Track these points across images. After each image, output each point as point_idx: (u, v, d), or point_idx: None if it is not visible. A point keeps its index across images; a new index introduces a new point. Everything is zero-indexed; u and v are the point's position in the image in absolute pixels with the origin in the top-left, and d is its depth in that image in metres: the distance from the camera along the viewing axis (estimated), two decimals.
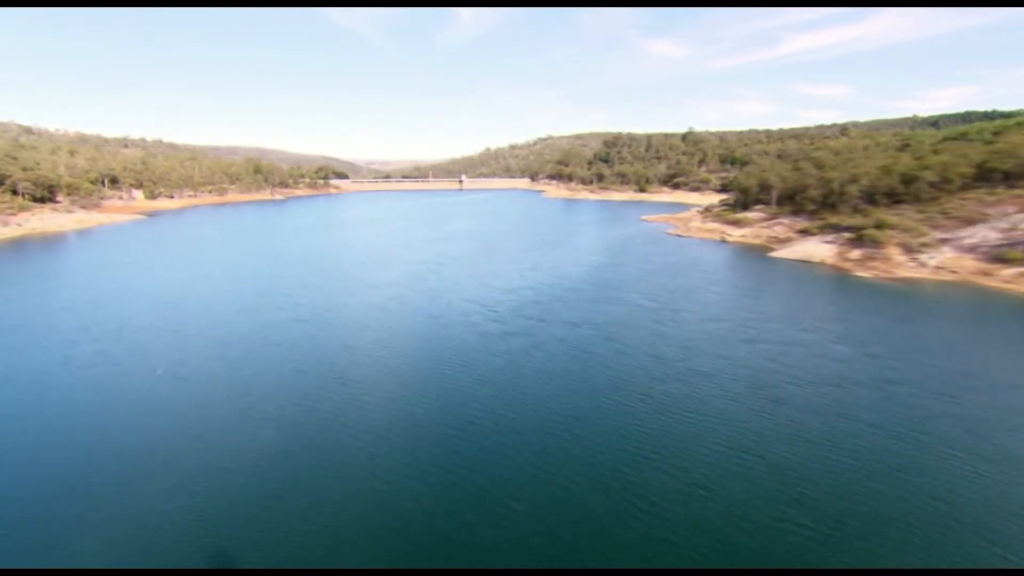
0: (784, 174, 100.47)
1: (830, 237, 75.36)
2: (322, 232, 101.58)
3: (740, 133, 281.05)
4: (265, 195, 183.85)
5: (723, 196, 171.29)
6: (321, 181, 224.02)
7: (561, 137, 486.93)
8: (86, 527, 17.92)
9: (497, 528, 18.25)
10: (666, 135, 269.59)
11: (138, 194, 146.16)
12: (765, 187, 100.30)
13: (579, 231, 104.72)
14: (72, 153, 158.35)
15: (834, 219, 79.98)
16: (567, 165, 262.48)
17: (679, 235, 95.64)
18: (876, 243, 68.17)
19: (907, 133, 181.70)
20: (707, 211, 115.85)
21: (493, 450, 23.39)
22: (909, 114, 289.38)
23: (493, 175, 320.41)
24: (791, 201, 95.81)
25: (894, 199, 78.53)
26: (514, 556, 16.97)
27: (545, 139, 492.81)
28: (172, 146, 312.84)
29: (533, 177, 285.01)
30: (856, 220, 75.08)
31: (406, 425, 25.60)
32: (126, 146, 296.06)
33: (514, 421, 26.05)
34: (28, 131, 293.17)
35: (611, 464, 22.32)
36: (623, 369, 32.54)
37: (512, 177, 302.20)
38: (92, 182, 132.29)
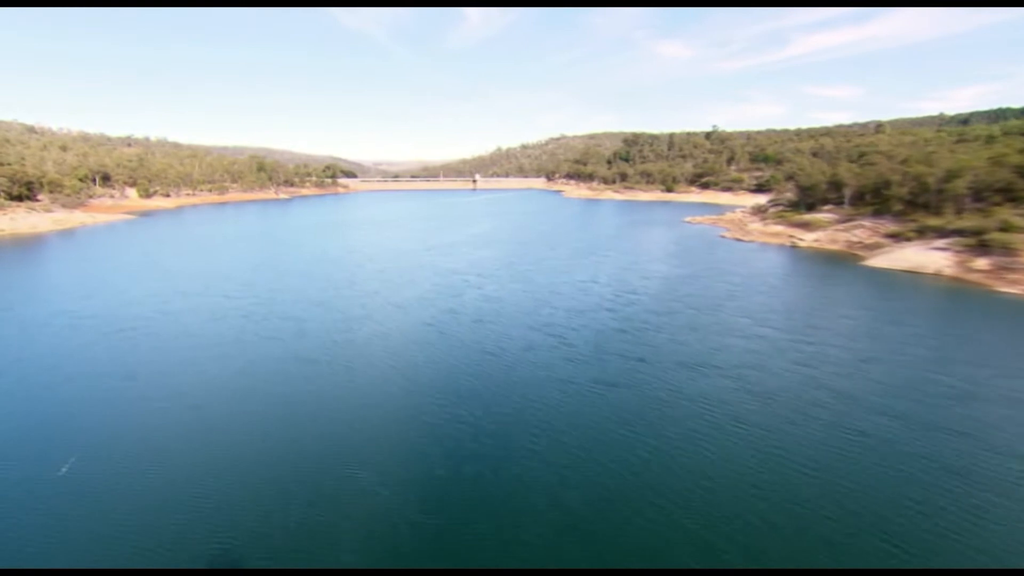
0: (856, 170, 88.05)
1: (939, 243, 62.82)
2: (330, 234, 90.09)
3: (762, 132, 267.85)
4: (269, 194, 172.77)
5: (761, 196, 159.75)
6: (329, 180, 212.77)
7: (574, 137, 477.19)
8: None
9: None
10: (689, 134, 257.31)
11: (132, 192, 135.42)
12: (835, 184, 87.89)
13: (621, 235, 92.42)
14: (64, 149, 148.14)
15: (934, 221, 67.53)
16: (586, 164, 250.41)
17: (737, 239, 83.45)
18: (1009, 250, 55.68)
19: (959, 129, 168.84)
20: (759, 212, 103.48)
21: None
22: (933, 112, 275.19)
23: (506, 175, 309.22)
24: (863, 200, 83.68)
25: (1008, 196, 65.96)
26: None
27: (558, 139, 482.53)
28: (176, 145, 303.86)
29: (549, 177, 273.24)
30: (968, 222, 62.59)
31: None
32: (129, 145, 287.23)
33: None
34: (31, 130, 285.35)
35: None
36: (811, 452, 20.41)
37: (527, 177, 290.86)
38: (81, 179, 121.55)
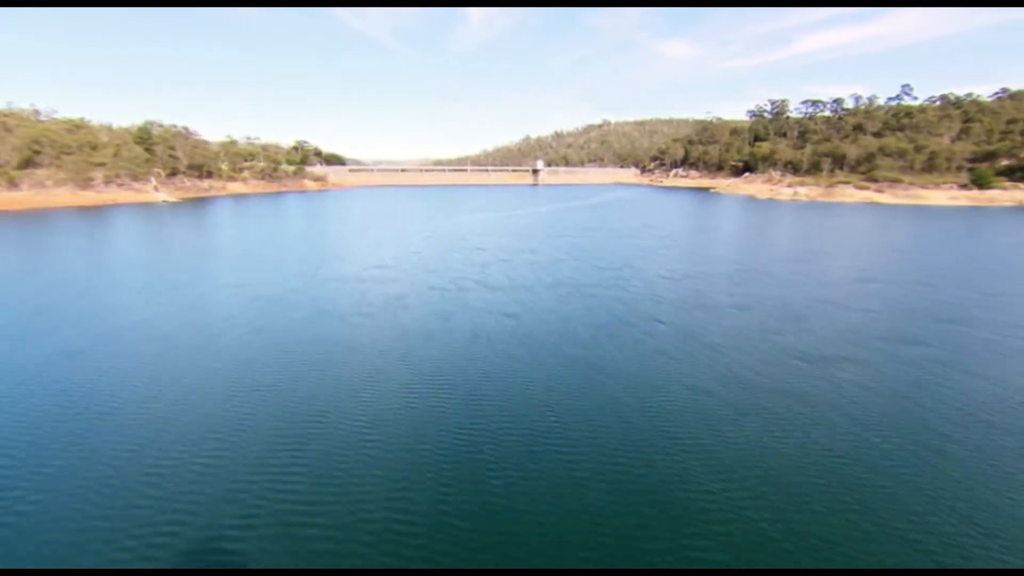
0: None
1: None
2: None
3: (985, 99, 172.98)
4: (138, 194, 78.27)
5: None
6: (290, 168, 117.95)
7: (622, 123, 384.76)
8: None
9: None
10: (865, 106, 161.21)
11: None
12: None
13: None
14: None
15: None
16: (711, 144, 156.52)
17: None
18: None
19: None
20: None
21: None
22: None
23: (562, 163, 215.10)
24: None
25: None
26: None
27: (600, 125, 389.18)
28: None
29: (642, 167, 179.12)
30: None
31: None
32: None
33: None
34: None
35: None
36: None
37: (615, 168, 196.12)
38: None
